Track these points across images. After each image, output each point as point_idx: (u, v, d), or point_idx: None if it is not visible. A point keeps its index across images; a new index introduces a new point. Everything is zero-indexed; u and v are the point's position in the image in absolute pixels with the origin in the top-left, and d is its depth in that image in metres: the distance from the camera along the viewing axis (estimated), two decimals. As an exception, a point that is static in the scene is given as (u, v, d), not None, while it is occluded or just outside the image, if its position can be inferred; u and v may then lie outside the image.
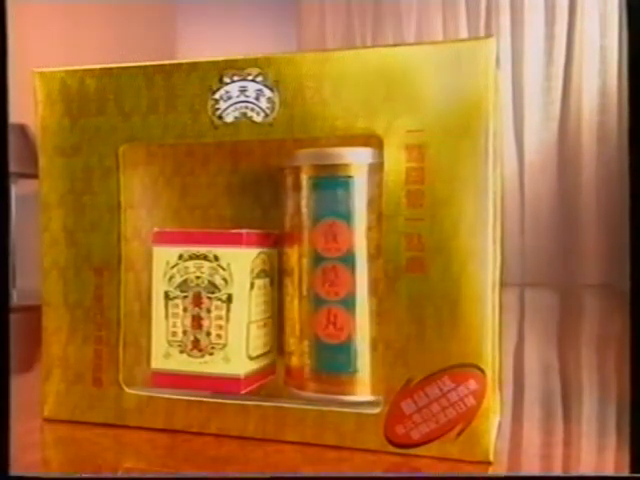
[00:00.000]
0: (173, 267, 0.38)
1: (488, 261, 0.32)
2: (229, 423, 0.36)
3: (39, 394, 0.40)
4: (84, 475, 0.31)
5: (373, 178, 0.36)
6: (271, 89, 0.35)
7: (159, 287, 0.38)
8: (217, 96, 0.36)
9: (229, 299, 0.37)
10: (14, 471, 0.31)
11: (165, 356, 0.38)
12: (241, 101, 0.35)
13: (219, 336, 0.37)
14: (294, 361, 0.38)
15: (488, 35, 1.47)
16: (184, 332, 0.37)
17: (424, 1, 2.07)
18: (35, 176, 0.40)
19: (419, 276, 0.32)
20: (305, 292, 0.37)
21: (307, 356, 0.37)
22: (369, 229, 0.36)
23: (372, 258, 0.36)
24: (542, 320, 1.00)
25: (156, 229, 0.39)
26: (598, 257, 1.86)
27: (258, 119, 0.35)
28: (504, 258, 0.37)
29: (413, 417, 0.33)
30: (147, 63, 0.37)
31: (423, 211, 0.32)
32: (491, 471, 0.31)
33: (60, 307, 0.39)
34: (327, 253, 0.36)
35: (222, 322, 0.37)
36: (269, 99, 0.35)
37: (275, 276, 0.40)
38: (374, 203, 0.35)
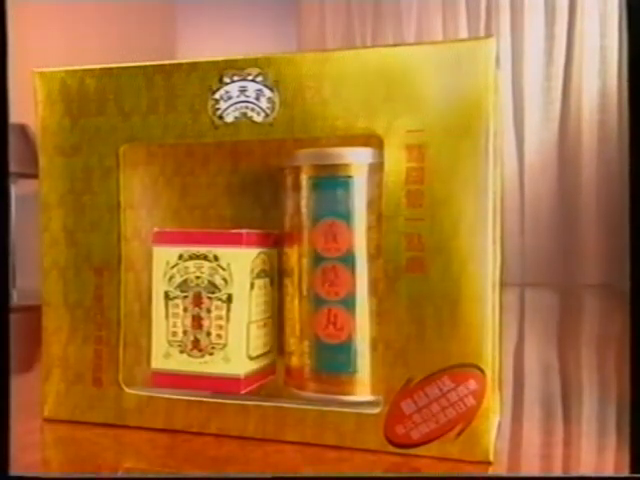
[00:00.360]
0: (173, 267, 0.38)
1: (488, 261, 0.32)
2: (229, 423, 0.36)
3: (39, 394, 0.40)
4: (84, 475, 0.31)
5: (373, 178, 0.36)
6: (271, 89, 0.35)
7: (159, 287, 0.38)
8: (217, 96, 0.36)
9: (229, 299, 0.37)
10: (14, 471, 0.31)
11: (165, 356, 0.38)
12: (241, 101, 0.35)
13: (219, 336, 0.37)
14: (294, 361, 0.38)
15: (488, 35, 1.47)
16: (184, 332, 0.37)
17: (424, 1, 2.07)
18: (35, 176, 0.40)
19: (419, 276, 0.32)
20: (305, 292, 0.37)
21: (307, 356, 0.37)
22: (369, 229, 0.36)
23: (372, 258, 0.36)
24: (542, 320, 1.00)
25: (156, 229, 0.39)
26: (598, 257, 1.86)
27: (258, 119, 0.35)
28: (504, 258, 0.37)
29: (413, 417, 0.33)
30: (147, 63, 0.37)
31: (423, 211, 0.32)
32: (491, 471, 0.31)
33: (60, 307, 0.39)
34: (327, 253, 0.36)
35: (222, 322, 0.37)
36: (269, 99, 0.35)
37: (275, 276, 0.40)
38: (374, 203, 0.35)
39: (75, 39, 1.92)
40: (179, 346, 0.37)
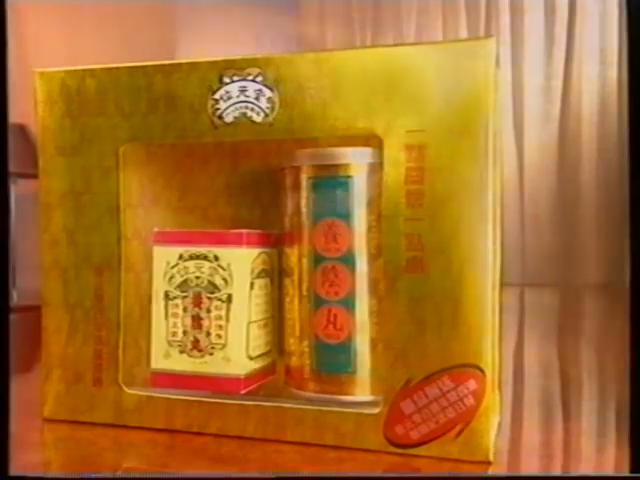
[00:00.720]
0: (173, 267, 0.38)
1: (488, 261, 0.32)
2: (229, 423, 0.36)
3: (39, 394, 0.40)
4: (84, 475, 0.31)
5: (373, 178, 0.36)
6: (271, 89, 0.35)
7: (159, 287, 0.38)
8: (217, 96, 0.36)
9: (229, 299, 0.37)
10: (14, 471, 0.31)
11: (165, 356, 0.38)
12: (241, 101, 0.35)
13: (219, 336, 0.37)
14: (294, 361, 0.38)
15: (488, 35, 1.46)
16: (184, 332, 0.37)
17: (424, 1, 2.07)
18: (35, 176, 0.40)
19: (419, 276, 0.32)
20: (305, 292, 0.37)
21: (307, 356, 0.37)
22: (369, 229, 0.36)
23: (372, 258, 0.36)
24: (542, 320, 1.00)
25: (156, 229, 0.39)
26: (598, 257, 1.86)
27: (258, 119, 0.35)
28: (504, 258, 0.37)
29: (413, 417, 0.33)
30: (147, 63, 0.37)
31: (423, 211, 0.32)
32: (491, 471, 0.31)
33: (60, 307, 0.39)
34: (327, 253, 0.36)
35: (222, 322, 0.37)
36: (269, 99, 0.35)
37: (275, 276, 0.40)
38: (374, 203, 0.35)
39: (74, 39, 1.92)
40: (179, 346, 0.37)
